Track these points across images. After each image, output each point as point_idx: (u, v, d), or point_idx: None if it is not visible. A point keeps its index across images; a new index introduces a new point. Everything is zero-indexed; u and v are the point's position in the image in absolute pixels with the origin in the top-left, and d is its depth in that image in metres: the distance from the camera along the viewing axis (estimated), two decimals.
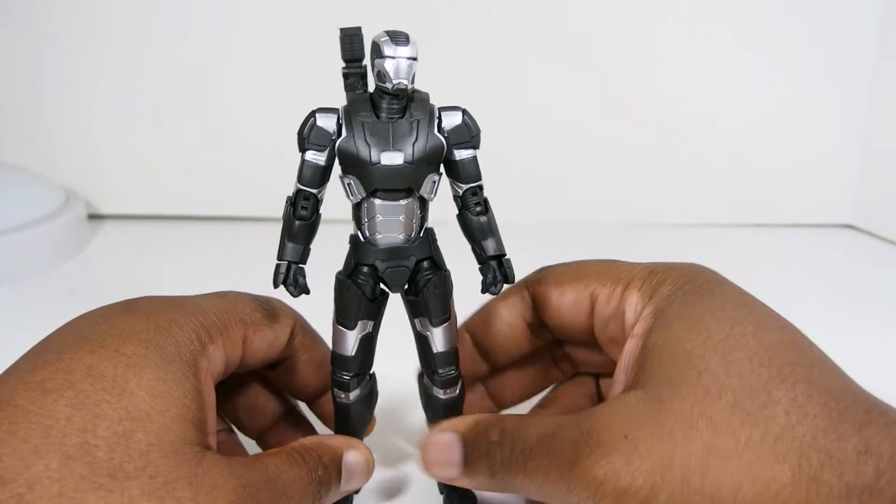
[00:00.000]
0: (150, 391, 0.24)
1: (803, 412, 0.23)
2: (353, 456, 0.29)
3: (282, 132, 0.77)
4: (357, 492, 0.32)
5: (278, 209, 0.29)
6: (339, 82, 0.29)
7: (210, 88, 0.76)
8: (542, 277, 0.33)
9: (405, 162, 0.27)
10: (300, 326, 0.32)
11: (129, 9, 0.73)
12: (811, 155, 0.78)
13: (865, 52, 0.74)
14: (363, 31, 0.28)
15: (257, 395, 0.34)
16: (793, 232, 0.78)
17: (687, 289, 0.28)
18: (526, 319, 0.33)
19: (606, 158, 0.77)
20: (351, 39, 0.28)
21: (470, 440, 0.28)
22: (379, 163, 0.27)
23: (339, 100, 0.29)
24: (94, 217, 0.78)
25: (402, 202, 0.28)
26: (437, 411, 0.31)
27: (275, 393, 0.34)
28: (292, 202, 0.28)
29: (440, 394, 0.31)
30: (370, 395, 0.31)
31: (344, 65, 0.28)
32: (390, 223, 0.28)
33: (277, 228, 0.29)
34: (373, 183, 0.27)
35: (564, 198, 0.79)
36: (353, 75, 0.28)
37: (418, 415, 0.33)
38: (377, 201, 0.27)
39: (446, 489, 0.33)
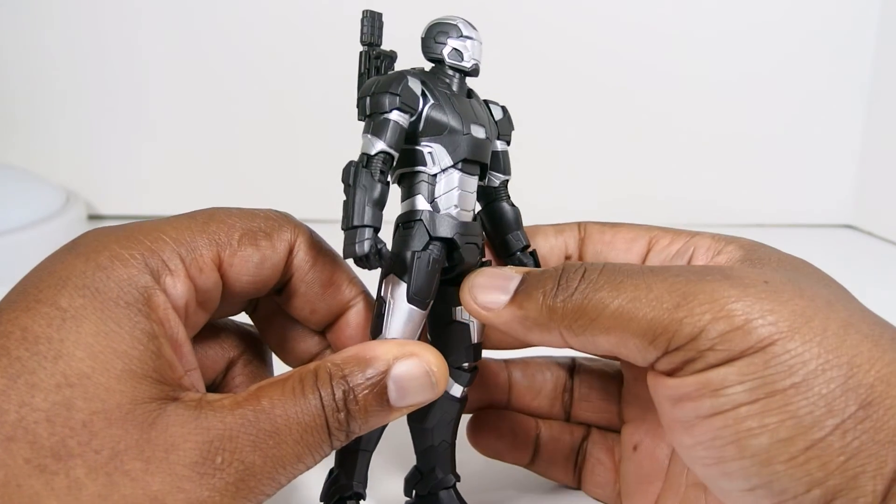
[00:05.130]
0: (90, 349, 0.21)
1: None
2: (404, 367, 0.24)
3: (282, 133, 0.77)
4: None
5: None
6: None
7: (210, 88, 0.75)
8: (596, 221, 0.32)
9: (487, 137, 0.27)
10: (303, 242, 0.28)
11: (130, 9, 0.73)
12: (811, 155, 0.78)
13: (865, 51, 0.74)
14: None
15: (285, 331, 0.30)
16: (793, 232, 0.78)
17: (771, 247, 0.27)
18: (567, 249, 0.31)
19: (606, 159, 0.77)
20: (372, 21, 0.27)
21: (533, 274, 0.25)
22: (471, 133, 0.27)
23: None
24: (94, 217, 0.78)
25: (475, 178, 0.27)
26: (446, 414, 0.29)
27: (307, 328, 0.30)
28: (365, 165, 0.25)
29: (459, 392, 0.29)
30: None
31: (363, 48, 0.27)
32: (467, 198, 0.27)
33: None
34: (461, 153, 0.26)
35: (564, 198, 0.79)
36: (385, 57, 0.28)
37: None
38: (458, 174, 0.27)
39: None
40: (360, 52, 0.27)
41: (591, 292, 0.23)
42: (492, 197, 0.30)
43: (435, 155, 0.26)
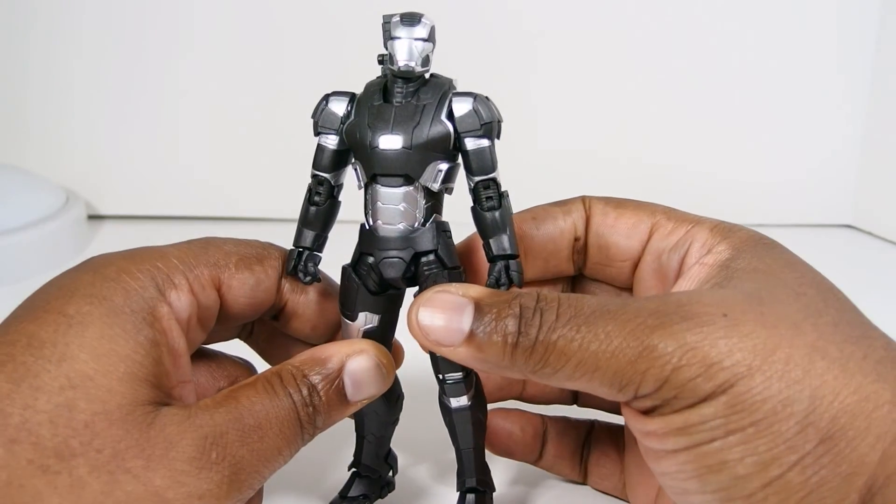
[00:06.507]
0: (93, 352, 0.22)
1: None
2: (356, 363, 0.26)
3: (284, 134, 0.77)
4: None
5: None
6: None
7: (210, 88, 0.75)
8: (600, 197, 0.32)
9: (403, 147, 0.26)
10: None
11: (130, 9, 0.73)
12: (811, 155, 0.78)
13: (865, 51, 0.74)
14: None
15: (287, 350, 0.31)
16: (793, 232, 0.78)
17: (767, 241, 0.28)
18: (576, 230, 0.31)
19: (608, 158, 0.77)
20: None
21: (486, 305, 0.24)
22: (377, 147, 0.26)
23: None
24: (94, 217, 0.78)
25: (402, 189, 0.27)
26: (449, 421, 0.30)
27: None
28: (310, 188, 0.28)
29: (449, 402, 0.29)
30: (387, 394, 0.29)
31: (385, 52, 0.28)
32: (390, 211, 0.27)
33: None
34: (372, 167, 0.26)
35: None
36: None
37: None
38: (378, 187, 0.27)
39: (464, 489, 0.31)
40: (379, 56, 0.28)
41: (552, 343, 0.23)
42: (473, 199, 0.28)
43: (359, 171, 0.27)
